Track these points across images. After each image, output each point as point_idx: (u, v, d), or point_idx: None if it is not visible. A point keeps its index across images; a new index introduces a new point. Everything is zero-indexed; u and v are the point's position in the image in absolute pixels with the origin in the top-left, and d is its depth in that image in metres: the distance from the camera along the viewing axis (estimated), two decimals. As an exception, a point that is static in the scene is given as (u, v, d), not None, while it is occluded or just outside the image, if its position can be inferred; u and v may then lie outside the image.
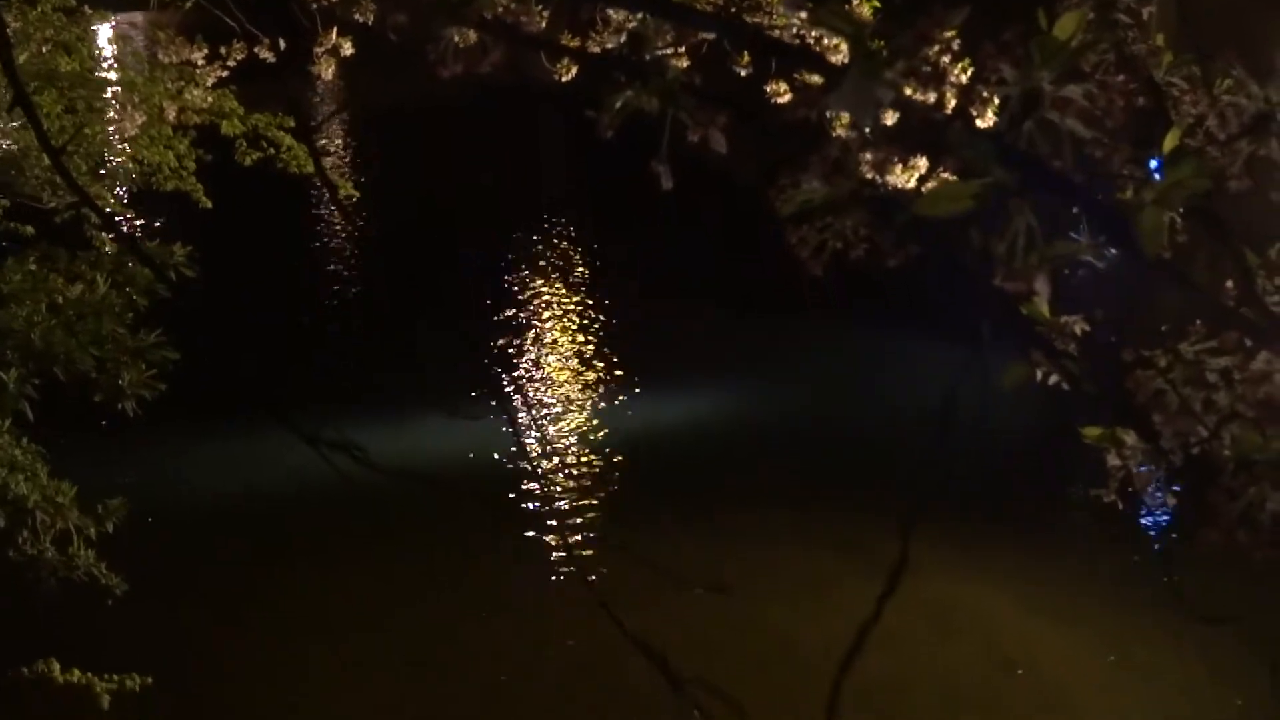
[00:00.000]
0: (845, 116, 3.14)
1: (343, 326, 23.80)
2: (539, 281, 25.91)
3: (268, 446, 15.79)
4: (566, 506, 16.82)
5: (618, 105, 3.28)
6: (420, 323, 21.74)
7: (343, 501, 13.49)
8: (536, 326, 23.58)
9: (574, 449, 18.62)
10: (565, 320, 23.82)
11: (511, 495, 16.90)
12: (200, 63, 10.91)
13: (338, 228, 27.84)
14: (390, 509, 14.63)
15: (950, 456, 15.72)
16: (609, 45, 4.99)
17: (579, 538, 15.98)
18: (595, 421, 19.60)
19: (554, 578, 14.86)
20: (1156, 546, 15.92)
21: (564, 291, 25.25)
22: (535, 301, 24.82)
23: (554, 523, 16.52)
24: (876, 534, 14.52)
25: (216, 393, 15.36)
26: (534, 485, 17.51)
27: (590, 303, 24.53)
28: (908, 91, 2.91)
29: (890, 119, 3.17)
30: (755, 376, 21.36)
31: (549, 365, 21.94)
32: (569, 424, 19.53)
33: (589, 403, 20.29)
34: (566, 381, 21.21)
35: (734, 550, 15.37)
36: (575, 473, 17.82)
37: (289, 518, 16.07)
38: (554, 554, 15.40)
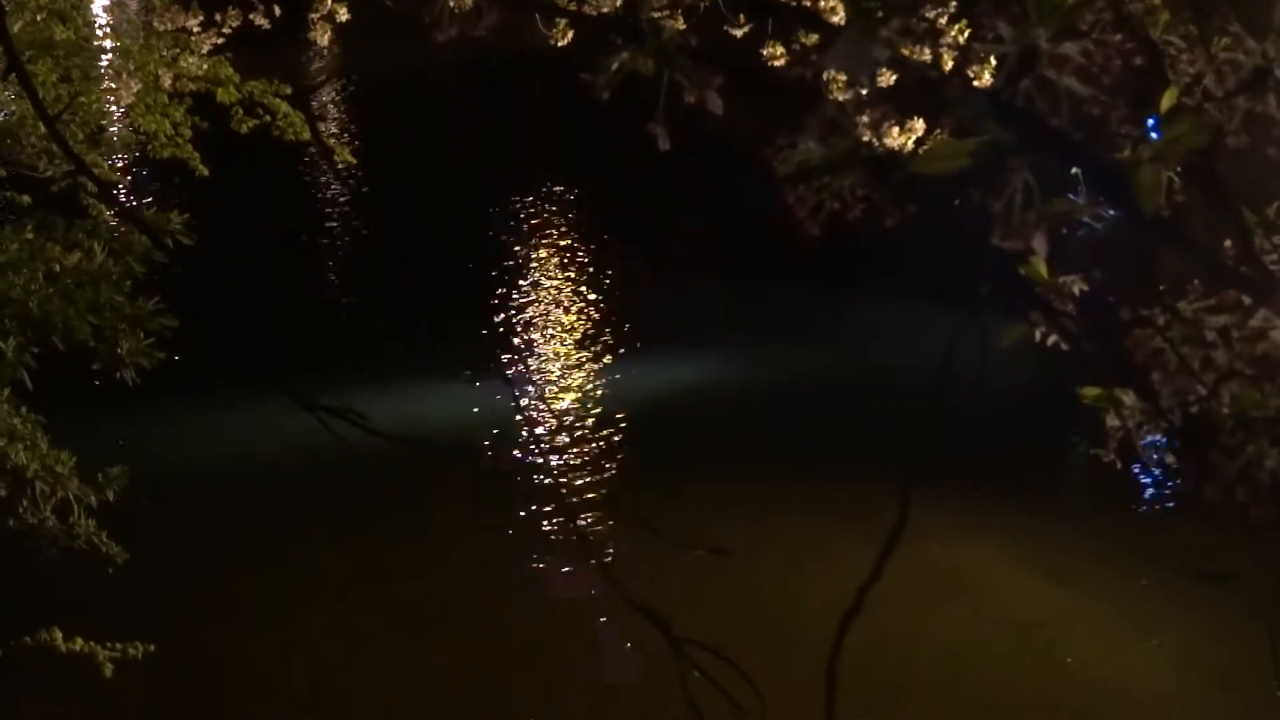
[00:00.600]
0: (842, 76, 3.13)
1: (342, 293, 23.76)
2: (540, 247, 25.86)
3: (267, 414, 15.82)
4: (567, 471, 16.84)
5: (614, 67, 3.26)
6: (419, 289, 21.73)
7: (343, 468, 13.48)
8: (537, 292, 23.55)
9: (575, 414, 18.63)
10: (566, 285, 23.78)
11: (512, 461, 16.94)
12: (195, 29, 10.89)
13: (335, 194, 27.77)
14: (391, 476, 14.64)
15: (950, 419, 15.78)
16: (604, 8, 4.97)
17: (579, 501, 16.02)
18: (596, 386, 19.61)
19: (554, 540, 14.92)
20: (1155, 506, 15.97)
21: (565, 257, 25.21)
22: (536, 267, 24.78)
23: (554, 487, 16.55)
24: (877, 497, 14.47)
25: (216, 361, 15.35)
26: (535, 450, 17.53)
27: (590, 268, 24.49)
28: (904, 50, 2.89)
29: (887, 79, 3.15)
30: (755, 342, 21.36)
31: (550, 330, 21.93)
32: (570, 389, 19.53)
33: (590, 368, 20.29)
34: (567, 346, 21.20)
35: (735, 514, 15.40)
36: (576, 437, 17.84)
37: (289, 486, 16.08)
38: (555, 518, 15.44)
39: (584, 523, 15.38)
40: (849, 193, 3.30)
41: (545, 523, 15.36)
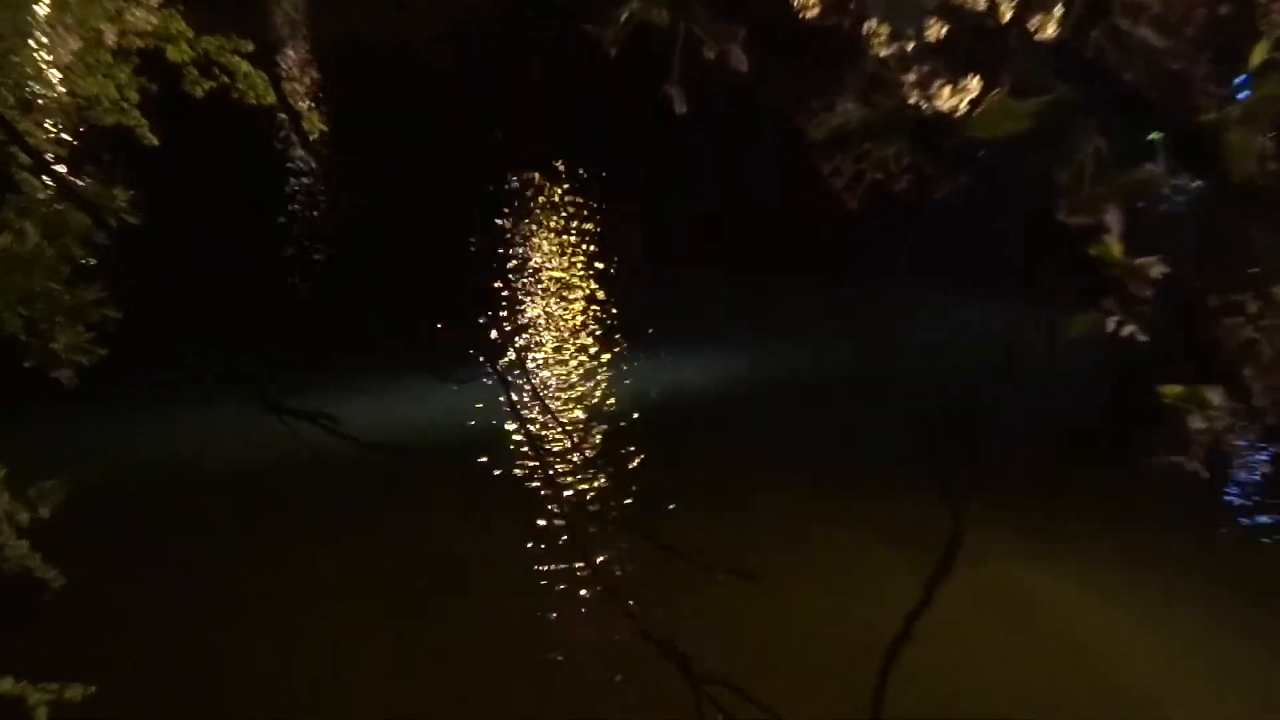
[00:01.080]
0: (885, 27, 3.12)
1: (311, 280, 23.78)
2: (537, 232, 25.88)
3: (227, 417, 15.79)
4: (572, 481, 16.84)
5: (623, 18, 3.25)
6: (400, 276, 21.73)
7: (316, 480, 13.57)
8: (535, 279, 23.57)
9: (581, 417, 18.64)
10: (566, 275, 23.81)
11: (510, 470, 16.93)
12: (143, -22, 10.87)
13: (303, 167, 27.80)
14: (371, 488, 14.69)
15: (1006, 421, 15.80)
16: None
17: (586, 517, 15.95)
18: (605, 386, 19.61)
19: (557, 562, 14.88)
20: (1245, 521, 15.93)
21: (564, 244, 25.23)
22: (532, 254, 24.79)
23: (557, 499, 16.53)
24: (924, 511, 14.47)
25: (167, 357, 15.38)
26: (535, 458, 17.48)
27: (593, 256, 24.51)
28: (956, -3, 2.89)
29: (936, 30, 3.14)
30: (786, 337, 21.38)
31: (550, 322, 21.94)
32: (575, 389, 19.55)
33: (597, 365, 20.30)
34: (571, 340, 21.21)
35: (763, 532, 15.40)
36: (582, 444, 17.84)
37: (251, 499, 16.10)
38: (558, 536, 15.37)
39: (590, 539, 15.32)
40: (893, 161, 3.29)
41: (545, 540, 15.29)
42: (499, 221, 26.43)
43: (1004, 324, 17.99)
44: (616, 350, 20.73)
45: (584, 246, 25.12)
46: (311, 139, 20.80)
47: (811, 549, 15.30)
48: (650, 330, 21.05)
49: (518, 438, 17.78)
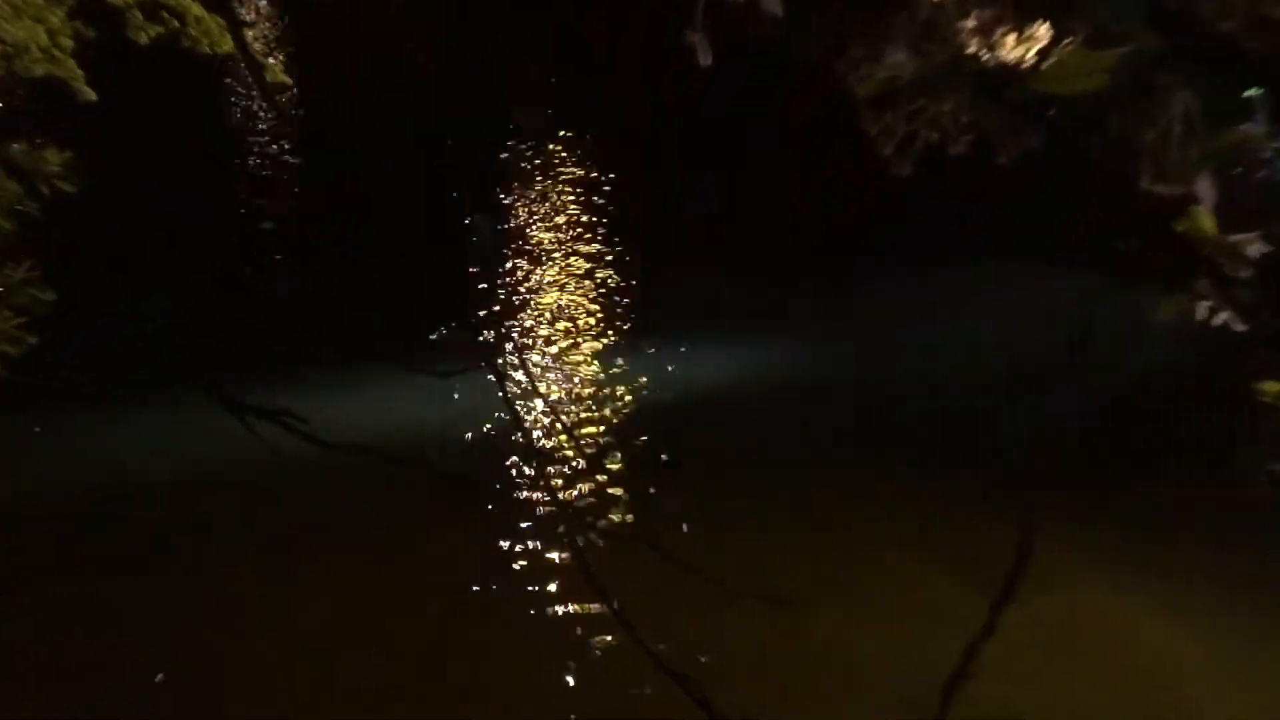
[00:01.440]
0: (939, -34, 3.12)
1: (276, 258, 23.81)
2: (531, 203, 25.93)
3: (173, 414, 15.88)
4: (574, 489, 16.83)
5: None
6: (376, 254, 21.76)
7: (283, 488, 13.59)
8: (530, 257, 23.59)
9: (584, 416, 18.65)
10: (566, 254, 23.83)
11: (502, 475, 16.95)
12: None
13: (266, 126, 27.84)
14: (347, 494, 14.72)
15: (1078, 421, 15.78)
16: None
17: (591, 530, 15.95)
18: (612, 382, 19.63)
19: (556, 582, 14.90)
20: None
21: (563, 219, 25.26)
22: (527, 229, 24.82)
23: (557, 510, 16.54)
24: (983, 526, 14.55)
25: (109, 346, 15.41)
26: (533, 461, 17.52)
27: (596, 232, 24.54)
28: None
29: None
30: (822, 328, 21.40)
31: (551, 307, 21.97)
32: (578, 384, 19.57)
33: (604, 357, 20.34)
34: (574, 328, 21.25)
35: (793, 549, 15.38)
36: (586, 447, 17.84)
37: (208, 507, 16.16)
38: (558, 552, 15.38)
39: (595, 556, 15.19)
40: (950, 120, 3.29)
41: (544, 555, 15.28)
42: (487, 188, 26.45)
43: (1077, 310, 17.98)
44: (627, 338, 20.74)
45: (585, 218, 25.14)
46: (273, 88, 20.84)
47: (850, 570, 15.26)
48: (667, 318, 21.06)
49: (512, 438, 17.80)
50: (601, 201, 26.35)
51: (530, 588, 14.84)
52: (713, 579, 12.31)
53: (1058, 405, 16.09)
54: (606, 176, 27.50)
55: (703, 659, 12.67)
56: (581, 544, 15.56)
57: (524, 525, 15.91)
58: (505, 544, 15.49)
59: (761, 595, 12.17)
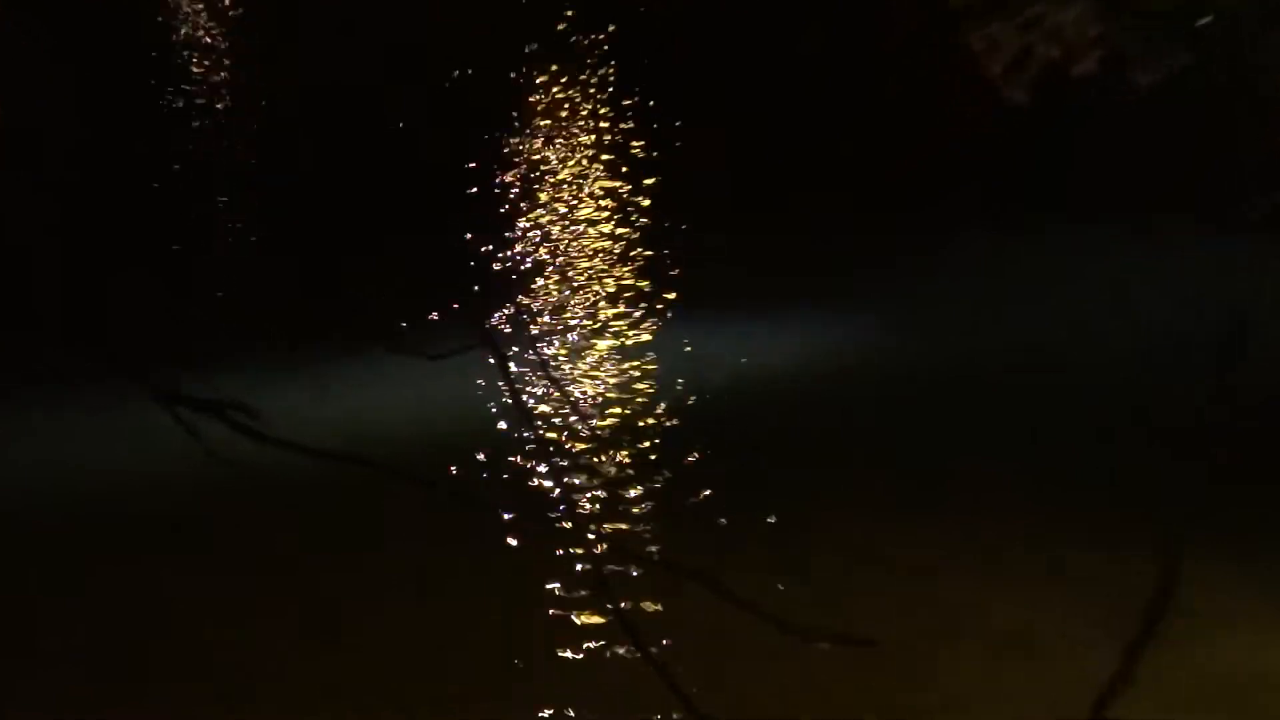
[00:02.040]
0: None
1: (236, 233, 24.04)
2: (541, 137, 26.09)
3: (129, 416, 16.07)
4: (587, 495, 16.91)
5: None
6: (355, 223, 21.93)
7: (244, 492, 13.75)
8: (535, 225, 23.74)
9: (599, 407, 18.75)
10: (580, 216, 23.95)
11: (510, 484, 17.03)
12: None
13: (215, 76, 28.06)
14: (326, 498, 14.89)
15: (1230, 427, 15.85)
16: None
17: (619, 555, 15.95)
18: (631, 368, 19.72)
19: (580, 617, 14.95)
20: None
21: (576, 172, 25.40)
22: (528, 190, 24.97)
23: (567, 518, 16.68)
24: (1115, 555, 14.62)
25: (38, 336, 15.62)
26: (539, 460, 17.58)
27: (615, 184, 24.67)
28: None
29: None
30: (907, 295, 21.49)
31: (556, 282, 22.10)
32: (601, 367, 19.66)
33: (621, 339, 20.42)
34: (585, 306, 21.35)
35: (875, 580, 15.39)
36: (601, 444, 17.92)
37: (157, 516, 16.37)
38: (569, 568, 15.25)
39: (614, 579, 15.04)
40: (1075, 31, 3.40)
41: (552, 573, 15.20)
42: (483, 126, 26.61)
43: (1237, 277, 18.01)
44: (668, 310, 20.85)
45: (603, 173, 25.29)
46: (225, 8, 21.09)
47: (948, 605, 15.22)
48: (722, 285, 21.16)
49: (520, 436, 17.89)
50: (621, 141, 26.50)
51: (546, 622, 14.88)
52: (775, 617, 12.27)
53: (1206, 406, 16.14)
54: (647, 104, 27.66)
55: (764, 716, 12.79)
56: (609, 573, 15.51)
57: (538, 547, 15.93)
58: (513, 571, 15.58)
59: (839, 635, 12.20)
